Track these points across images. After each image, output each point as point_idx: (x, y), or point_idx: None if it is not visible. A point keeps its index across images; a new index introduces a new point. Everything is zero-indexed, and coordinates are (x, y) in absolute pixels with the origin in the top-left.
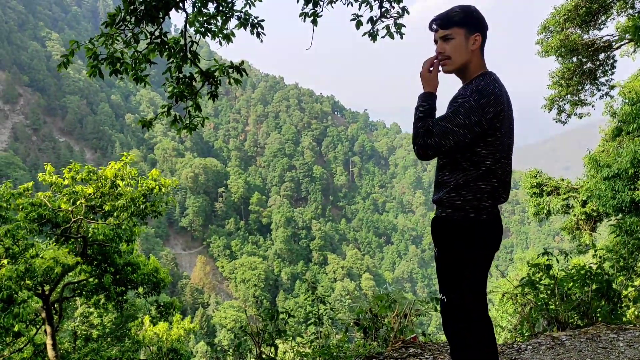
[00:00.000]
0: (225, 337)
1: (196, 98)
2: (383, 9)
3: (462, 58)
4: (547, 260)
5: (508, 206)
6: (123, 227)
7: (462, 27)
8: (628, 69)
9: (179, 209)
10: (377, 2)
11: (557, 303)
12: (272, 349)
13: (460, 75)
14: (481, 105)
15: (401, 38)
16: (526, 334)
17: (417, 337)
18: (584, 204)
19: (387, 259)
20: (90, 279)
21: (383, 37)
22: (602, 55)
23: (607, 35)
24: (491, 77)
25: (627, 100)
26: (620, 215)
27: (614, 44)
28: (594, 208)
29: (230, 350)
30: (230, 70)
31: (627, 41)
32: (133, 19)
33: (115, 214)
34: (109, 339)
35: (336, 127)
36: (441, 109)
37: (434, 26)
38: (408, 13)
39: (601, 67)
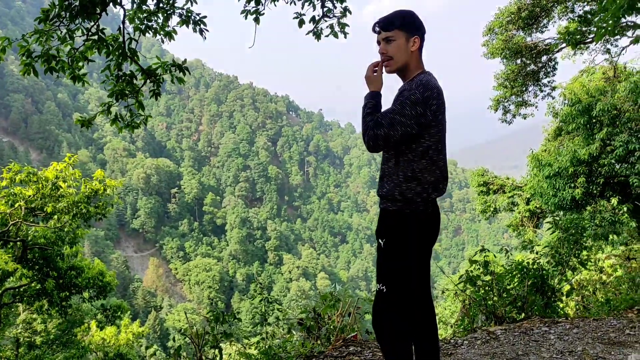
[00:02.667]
0: (179, 340)
1: (138, 96)
2: (325, 9)
3: (403, 58)
4: (485, 257)
5: (459, 204)
6: (66, 229)
7: (403, 30)
8: (569, 71)
9: (131, 211)
10: (319, 1)
11: (494, 298)
12: (217, 352)
13: (401, 75)
14: (426, 98)
15: (345, 37)
16: (466, 329)
17: (357, 335)
18: (528, 201)
19: (342, 258)
20: (32, 284)
21: (327, 36)
22: (544, 58)
23: (549, 38)
24: (431, 75)
25: (567, 102)
26: (561, 212)
27: (555, 46)
28: (537, 205)
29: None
30: (174, 69)
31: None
32: (68, 15)
33: (56, 216)
34: (53, 346)
35: (291, 127)
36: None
37: (377, 28)
38: (350, 13)
39: (543, 69)
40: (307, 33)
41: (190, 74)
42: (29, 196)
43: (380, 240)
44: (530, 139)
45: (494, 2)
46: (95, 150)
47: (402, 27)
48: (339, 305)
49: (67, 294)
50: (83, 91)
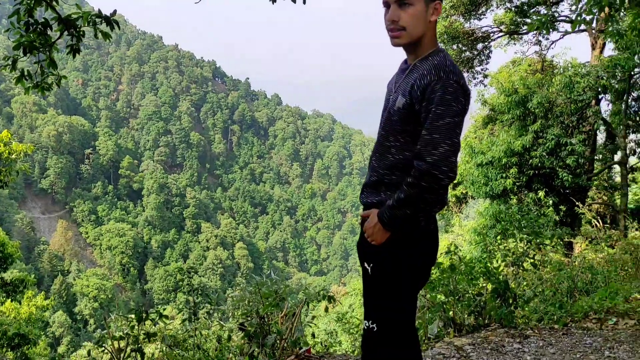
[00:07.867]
0: (87, 306)
1: (51, 51)
2: None
3: (418, 30)
4: (450, 258)
5: None
6: None
7: None
8: (498, 61)
9: (39, 170)
10: None
11: (453, 303)
12: (138, 355)
13: (409, 49)
14: (462, 86)
15: (304, 3)
16: (422, 338)
17: (310, 350)
18: (454, 186)
19: (261, 229)
20: None
21: None
22: (480, 45)
23: (486, 26)
24: (447, 53)
25: (503, 91)
26: (488, 200)
27: (491, 34)
28: (464, 191)
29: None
30: (98, 21)
31: (502, 33)
32: None
33: None
34: None
35: (216, 94)
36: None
37: None
38: None
39: (478, 57)
40: None
41: (119, 28)
42: None
43: (368, 266)
44: None
45: None
46: (1, 103)
47: None
48: (283, 304)
49: None
50: None
